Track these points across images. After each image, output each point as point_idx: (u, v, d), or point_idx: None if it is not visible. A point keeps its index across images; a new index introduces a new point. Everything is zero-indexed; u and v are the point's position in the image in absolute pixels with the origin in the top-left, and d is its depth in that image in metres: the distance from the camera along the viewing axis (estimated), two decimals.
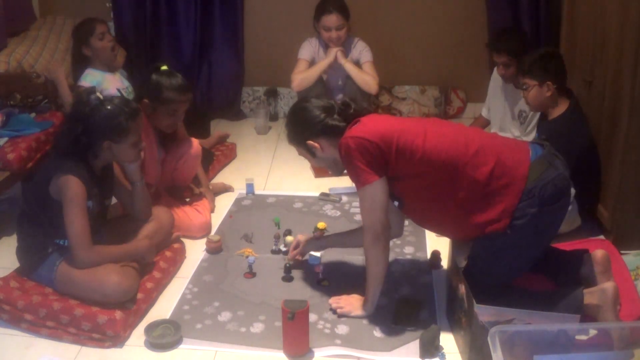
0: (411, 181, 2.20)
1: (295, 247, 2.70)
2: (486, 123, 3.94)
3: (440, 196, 2.18)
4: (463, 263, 2.57)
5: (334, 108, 2.33)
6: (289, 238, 2.81)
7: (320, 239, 2.72)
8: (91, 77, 3.41)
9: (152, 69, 2.87)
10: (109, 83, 3.39)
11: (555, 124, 2.83)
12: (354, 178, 2.22)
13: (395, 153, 2.14)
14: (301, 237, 2.71)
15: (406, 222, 3.09)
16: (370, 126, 2.21)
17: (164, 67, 2.87)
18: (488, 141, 2.17)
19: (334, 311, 2.37)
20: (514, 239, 2.09)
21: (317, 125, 2.31)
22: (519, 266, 2.19)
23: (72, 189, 2.26)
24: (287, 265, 2.64)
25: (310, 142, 2.32)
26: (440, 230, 2.41)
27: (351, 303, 2.37)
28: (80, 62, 3.48)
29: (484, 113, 3.97)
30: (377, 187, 2.17)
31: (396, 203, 2.33)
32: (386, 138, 2.14)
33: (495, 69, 3.80)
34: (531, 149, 2.17)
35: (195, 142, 3.13)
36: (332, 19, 3.90)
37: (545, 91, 2.81)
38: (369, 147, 2.14)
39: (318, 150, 2.33)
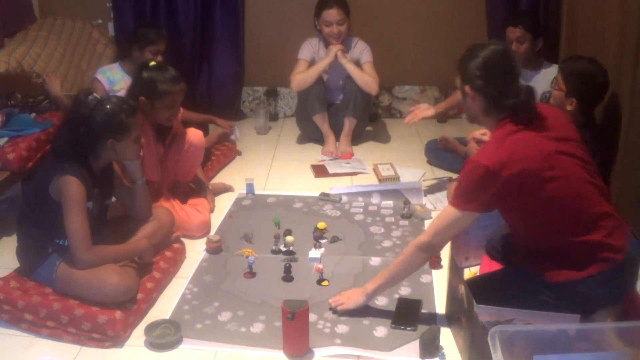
0: (518, 213, 2.05)
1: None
2: None
3: (539, 233, 2.03)
4: (463, 263, 2.59)
5: (518, 90, 2.01)
6: (289, 238, 2.81)
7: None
8: (110, 74, 3.52)
9: (142, 67, 2.89)
10: (124, 84, 3.43)
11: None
12: (456, 192, 2.05)
13: (518, 191, 1.94)
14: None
15: (406, 222, 3.09)
16: (506, 150, 1.95)
17: (153, 63, 2.90)
18: (611, 208, 2.04)
19: (334, 310, 2.37)
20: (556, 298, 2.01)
21: (488, 90, 2.03)
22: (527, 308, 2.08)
23: (72, 189, 2.26)
24: (287, 265, 2.64)
25: (468, 88, 2.07)
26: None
27: (349, 297, 2.36)
28: (122, 54, 3.63)
29: None
30: (465, 218, 2.03)
31: None
32: (512, 173, 1.91)
33: None
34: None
35: (198, 132, 3.15)
36: (333, 14, 3.91)
37: (568, 104, 2.66)
38: (488, 178, 1.92)
39: (469, 97, 2.09)
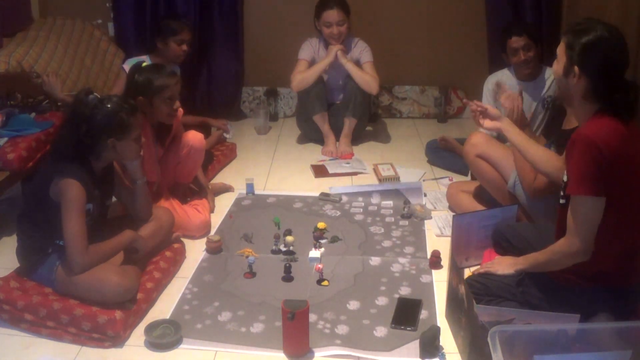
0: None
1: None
2: None
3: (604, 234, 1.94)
4: (463, 263, 2.59)
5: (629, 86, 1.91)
6: (289, 238, 2.81)
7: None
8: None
9: (135, 71, 2.88)
10: None
11: None
12: (571, 177, 1.91)
13: (617, 177, 1.87)
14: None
15: (406, 222, 3.09)
16: (610, 131, 1.86)
17: (145, 64, 2.91)
18: None
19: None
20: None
21: (599, 78, 1.89)
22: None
23: (71, 193, 2.26)
24: (287, 265, 2.64)
25: (577, 69, 1.91)
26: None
27: (500, 263, 2.24)
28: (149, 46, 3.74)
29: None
30: (598, 204, 1.87)
31: (562, 201, 2.03)
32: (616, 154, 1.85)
33: (489, 81, 3.51)
34: None
35: (198, 135, 3.15)
36: (333, 14, 3.92)
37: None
38: (601, 157, 1.83)
39: (572, 77, 1.94)
